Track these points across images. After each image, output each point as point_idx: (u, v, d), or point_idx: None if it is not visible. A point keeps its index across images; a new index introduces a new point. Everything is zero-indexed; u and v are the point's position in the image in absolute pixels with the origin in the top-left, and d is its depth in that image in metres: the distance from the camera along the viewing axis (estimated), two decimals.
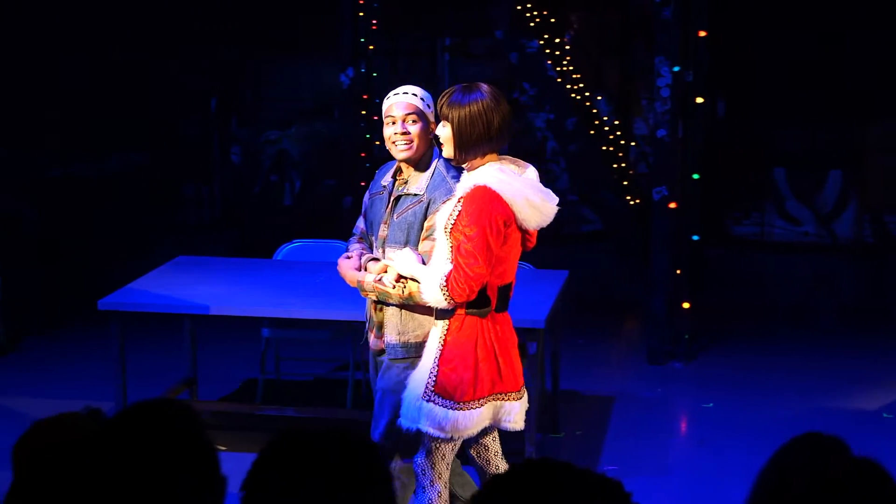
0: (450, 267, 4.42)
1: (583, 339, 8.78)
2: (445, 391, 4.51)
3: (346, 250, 5.02)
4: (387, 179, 4.93)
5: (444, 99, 4.55)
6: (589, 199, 12.16)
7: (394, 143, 4.79)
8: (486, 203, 4.39)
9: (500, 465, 4.91)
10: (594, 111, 12.06)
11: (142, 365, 7.56)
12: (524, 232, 4.58)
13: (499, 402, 4.61)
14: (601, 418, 7.28)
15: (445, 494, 4.72)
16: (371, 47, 10.49)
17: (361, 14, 10.36)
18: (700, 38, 8.22)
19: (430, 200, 4.73)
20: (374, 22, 10.49)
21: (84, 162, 11.24)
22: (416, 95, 4.83)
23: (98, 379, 7.47)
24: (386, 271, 4.69)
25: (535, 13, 11.71)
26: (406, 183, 4.84)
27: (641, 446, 6.84)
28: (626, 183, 11.87)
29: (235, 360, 8.03)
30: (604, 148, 11.94)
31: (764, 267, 11.48)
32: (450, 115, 4.52)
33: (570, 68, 11.92)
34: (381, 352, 4.89)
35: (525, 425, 6.02)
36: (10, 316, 8.64)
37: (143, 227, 11.40)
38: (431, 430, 4.53)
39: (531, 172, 4.59)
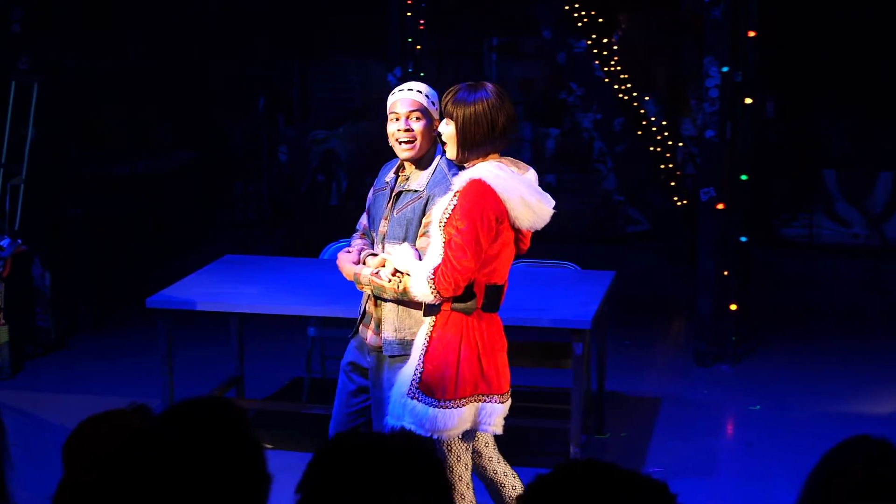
0: (439, 260, 4.41)
1: (629, 340, 8.75)
2: (428, 389, 4.49)
3: (349, 246, 5.02)
4: (389, 176, 4.93)
5: (450, 97, 4.53)
6: (636, 200, 12.11)
7: (397, 140, 4.79)
8: (480, 197, 4.37)
9: (497, 468, 4.87)
10: (642, 111, 12.02)
11: (189, 363, 7.60)
12: (517, 231, 4.55)
13: (480, 403, 4.56)
14: (647, 420, 7.25)
15: (469, 495, 4.70)
16: (418, 47, 10.50)
17: (409, 14, 10.37)
18: (749, 38, 8.17)
19: (429, 197, 4.72)
20: (422, 22, 10.50)
21: (134, 161, 11.31)
22: (420, 92, 4.82)
23: (145, 376, 7.52)
24: (384, 265, 4.69)
25: (584, 13, 11.68)
26: (408, 179, 4.83)
27: (687, 448, 6.81)
28: (673, 184, 11.82)
29: (281, 359, 8.06)
30: (651, 148, 11.90)
31: (812, 269, 11.39)
32: (454, 114, 4.50)
33: (618, 68, 11.89)
34: (379, 348, 4.87)
35: (570, 426, 6.05)
36: (60, 313, 8.72)
37: (191, 226, 11.47)
38: (414, 428, 4.47)
39: (530, 174, 4.59)
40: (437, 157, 4.81)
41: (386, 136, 4.84)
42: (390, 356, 4.80)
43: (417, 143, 4.75)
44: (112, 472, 2.41)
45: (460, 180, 4.44)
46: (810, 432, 6.93)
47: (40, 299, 8.59)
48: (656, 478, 2.07)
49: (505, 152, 4.63)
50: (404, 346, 4.74)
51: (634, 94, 11.95)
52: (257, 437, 2.44)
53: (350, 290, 6.50)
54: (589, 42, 11.69)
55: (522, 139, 12.57)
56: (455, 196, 4.42)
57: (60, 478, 2.77)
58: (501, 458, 4.92)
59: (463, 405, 4.50)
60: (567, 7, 11.60)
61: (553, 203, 4.60)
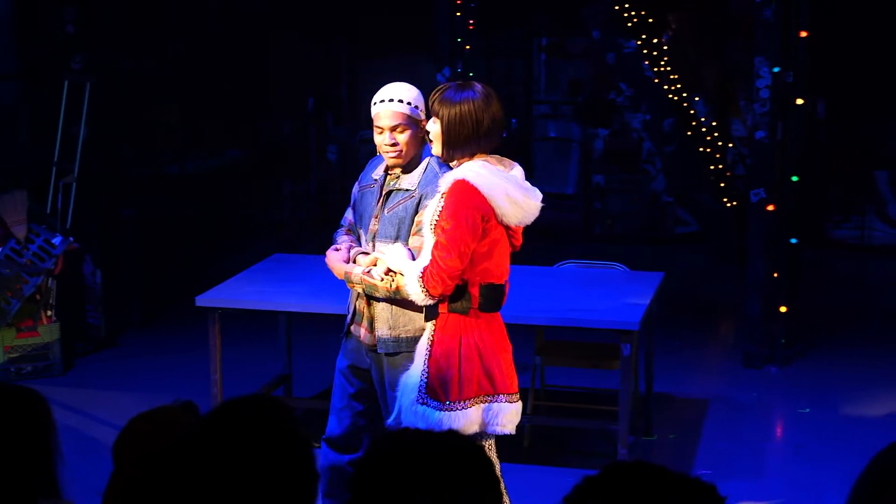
0: (427, 261, 4.42)
1: (678, 341, 8.71)
2: (434, 392, 4.49)
3: (334, 242, 5.00)
4: (378, 173, 4.91)
5: (437, 96, 4.53)
6: (685, 201, 12.05)
7: (384, 152, 4.79)
8: (463, 196, 4.38)
9: None
10: (691, 112, 11.96)
11: (237, 361, 7.65)
12: (507, 228, 4.54)
13: (486, 403, 4.55)
14: (695, 422, 7.22)
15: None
16: (467, 47, 10.49)
17: (458, 14, 10.37)
18: (801, 38, 8.11)
19: (422, 196, 4.71)
20: (471, 21, 10.49)
21: (184, 161, 11.39)
22: (402, 102, 4.76)
23: (194, 374, 7.57)
24: (375, 265, 4.68)
25: (633, 13, 11.64)
26: (398, 178, 4.82)
27: (736, 451, 6.77)
28: (723, 185, 11.75)
29: (329, 357, 8.04)
30: (701, 149, 11.83)
31: (863, 271, 11.29)
32: (440, 113, 4.49)
33: (668, 69, 11.84)
34: (374, 347, 4.86)
35: (618, 427, 6.03)
36: (110, 311, 8.79)
37: (240, 225, 11.52)
38: None
39: (517, 171, 4.58)
40: (428, 156, 4.81)
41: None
42: (386, 354, 4.80)
43: (403, 152, 4.76)
44: (161, 470, 2.43)
45: (446, 181, 4.46)
46: (860, 436, 6.87)
47: (91, 297, 8.67)
48: (705, 480, 2.06)
49: (506, 154, 4.63)
50: (399, 344, 4.75)
51: (684, 94, 11.89)
52: (305, 436, 2.45)
53: None
54: (638, 42, 11.65)
55: (571, 140, 12.55)
56: (442, 197, 4.43)
57: (110, 474, 2.80)
58: (496, 460, 4.88)
59: (469, 406, 4.50)
60: (617, 7, 11.56)
61: (540, 197, 4.60)
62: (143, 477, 2.68)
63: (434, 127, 4.53)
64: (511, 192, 4.45)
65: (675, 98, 11.82)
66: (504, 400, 4.59)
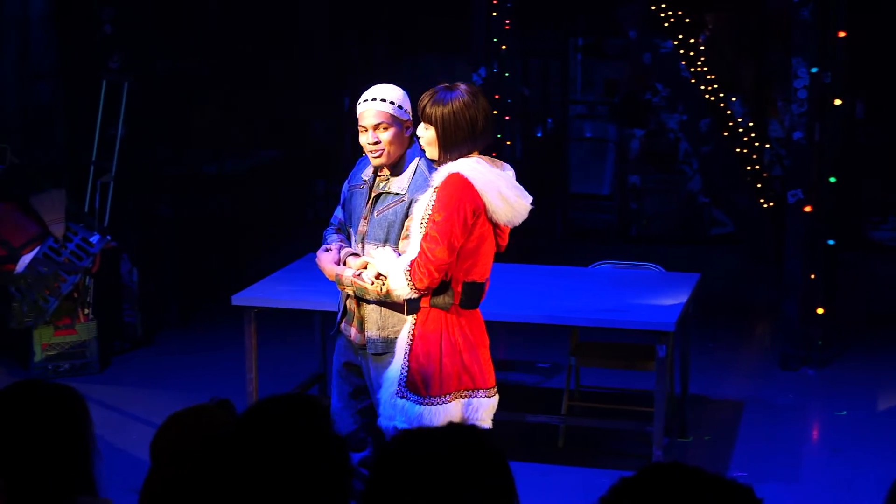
0: (414, 255, 4.44)
1: (713, 342, 8.68)
2: (414, 386, 4.51)
3: (325, 241, 5.00)
4: (367, 174, 4.90)
5: (427, 100, 4.54)
6: (721, 202, 12.00)
7: (368, 151, 4.79)
8: (457, 189, 4.40)
9: None
10: (728, 112, 11.90)
11: (272, 360, 7.67)
12: (495, 226, 4.55)
13: (465, 398, 4.58)
14: (731, 423, 7.19)
15: None
16: (503, 47, 10.49)
17: (494, 14, 10.36)
18: (839, 38, 8.06)
19: (412, 200, 4.70)
20: (507, 22, 10.49)
21: (221, 160, 11.43)
22: (385, 101, 4.77)
23: (230, 373, 7.60)
24: (366, 267, 4.68)
25: (670, 13, 11.60)
26: (387, 180, 4.82)
27: (772, 453, 6.73)
28: (759, 185, 11.69)
29: None
30: (738, 150, 11.78)
31: None
32: (433, 116, 4.51)
33: (705, 69, 11.79)
34: (363, 346, 4.87)
35: (653, 428, 6.01)
36: (147, 309, 8.83)
37: (276, 224, 11.56)
38: (405, 427, 4.48)
39: (508, 171, 4.60)
40: (417, 159, 4.80)
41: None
42: (374, 353, 4.80)
43: (386, 151, 4.76)
44: (198, 468, 2.44)
45: (439, 175, 4.47)
46: None
47: (128, 295, 8.71)
48: (742, 482, 2.05)
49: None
50: (388, 345, 4.75)
51: (721, 94, 11.83)
52: (339, 434, 2.46)
53: None
54: (675, 42, 11.61)
55: (607, 140, 12.52)
56: (435, 191, 4.44)
57: (147, 472, 2.81)
58: None
59: (449, 400, 4.53)
60: (653, 7, 11.53)
61: (530, 199, 4.60)
62: (180, 475, 2.69)
63: (427, 133, 4.54)
64: (503, 191, 4.47)
65: (712, 98, 11.77)
66: (483, 395, 4.63)
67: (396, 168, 4.81)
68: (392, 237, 4.74)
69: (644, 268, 7.14)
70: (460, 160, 4.48)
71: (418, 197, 4.62)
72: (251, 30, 11.56)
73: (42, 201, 8.15)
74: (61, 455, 2.76)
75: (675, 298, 6.27)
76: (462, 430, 2.27)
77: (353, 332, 4.90)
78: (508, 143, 10.88)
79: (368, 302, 4.77)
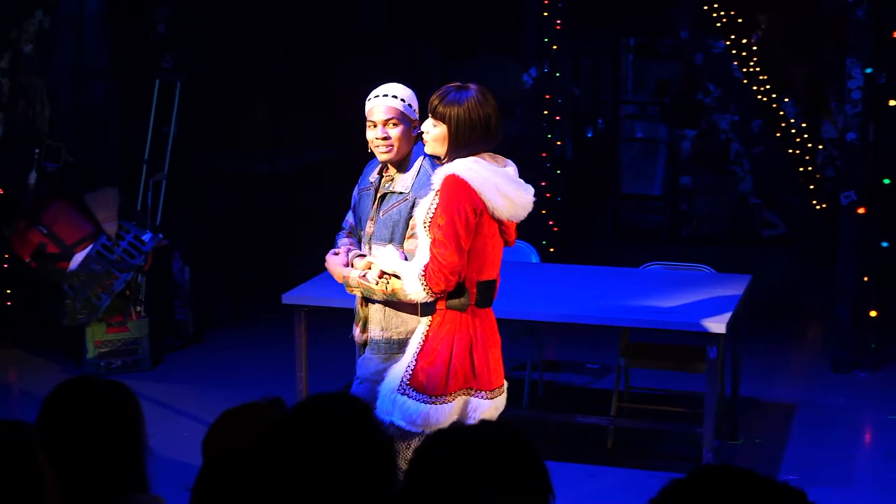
0: (427, 259, 4.44)
1: (765, 344, 8.62)
2: (420, 385, 4.51)
3: (336, 244, 5.02)
4: (374, 176, 4.92)
5: (440, 99, 4.54)
6: (773, 203, 11.92)
7: (375, 146, 4.80)
8: (455, 191, 4.40)
9: None
10: (781, 113, 11.82)
11: (322, 358, 7.69)
12: (500, 223, 4.55)
13: (468, 397, 4.60)
14: (782, 426, 7.14)
15: None
16: (555, 47, 10.47)
17: (546, 14, 10.35)
18: (893, 38, 7.99)
19: (416, 198, 4.71)
20: (559, 21, 10.47)
21: (273, 160, 11.48)
22: (396, 97, 4.79)
23: (280, 371, 7.63)
24: (370, 268, 4.69)
25: (722, 13, 11.54)
26: (392, 180, 4.83)
27: (823, 456, 6.68)
28: (812, 187, 11.60)
29: None
30: (790, 151, 11.70)
31: None
32: (447, 115, 4.50)
33: (757, 69, 11.71)
34: (365, 345, 4.89)
35: (703, 430, 5.98)
36: (198, 307, 8.89)
37: (327, 223, 11.58)
38: (404, 424, 4.49)
39: (510, 167, 4.60)
40: (421, 158, 4.80)
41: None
42: (374, 354, 4.82)
43: (395, 147, 4.76)
44: (249, 465, 2.45)
45: (438, 178, 4.48)
46: None
47: (179, 293, 8.77)
48: (793, 485, 2.03)
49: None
50: (390, 346, 4.75)
51: (773, 95, 11.75)
52: (387, 433, 2.46)
53: None
54: (727, 42, 11.54)
55: (658, 140, 12.47)
56: (436, 195, 4.46)
57: (199, 469, 2.82)
58: None
59: (452, 400, 4.54)
60: (706, 7, 11.47)
61: (532, 192, 4.61)
62: (232, 472, 2.70)
63: (436, 131, 4.54)
64: (502, 187, 4.47)
65: (765, 99, 11.70)
66: (484, 396, 4.63)
67: (401, 167, 4.82)
68: (397, 236, 4.75)
69: (695, 269, 7.11)
70: (457, 161, 4.48)
71: (422, 195, 4.65)
72: (308, 30, 11.59)
73: (95, 199, 8.22)
74: (113, 452, 2.78)
75: (726, 300, 6.23)
76: (498, 429, 2.27)
77: (357, 332, 4.92)
78: (559, 143, 10.86)
79: (374, 302, 4.79)
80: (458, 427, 2.30)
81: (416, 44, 12.39)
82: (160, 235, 8.30)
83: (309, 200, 11.64)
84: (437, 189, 4.47)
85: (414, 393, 4.53)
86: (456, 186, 4.41)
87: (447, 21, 12.21)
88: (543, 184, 10.33)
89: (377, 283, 4.64)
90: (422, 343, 4.57)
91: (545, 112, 10.52)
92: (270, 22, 11.17)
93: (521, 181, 4.61)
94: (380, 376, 4.71)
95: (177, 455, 5.70)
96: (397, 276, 4.56)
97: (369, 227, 4.86)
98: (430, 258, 4.43)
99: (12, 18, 8.51)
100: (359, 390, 4.89)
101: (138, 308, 8.27)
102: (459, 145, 4.51)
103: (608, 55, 12.74)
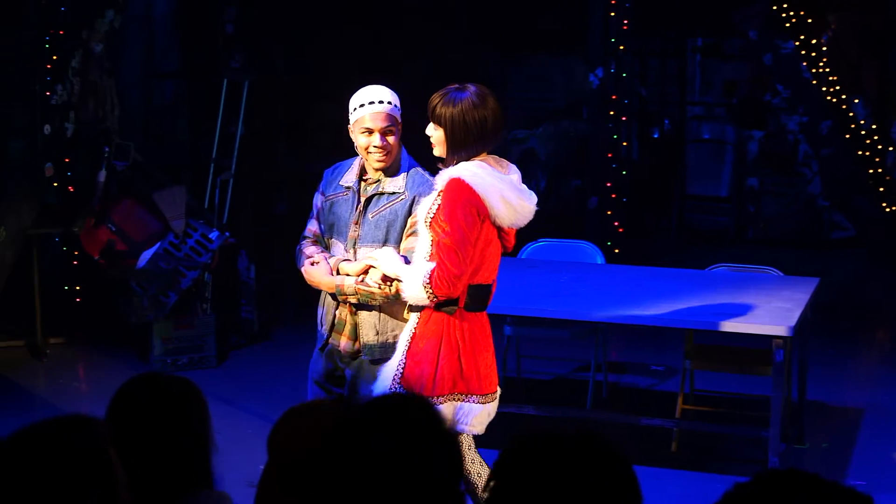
0: (432, 264, 4.39)
1: (833, 348, 8.53)
2: (408, 385, 4.49)
3: (300, 254, 4.94)
4: (349, 181, 4.86)
5: (438, 100, 4.52)
6: (842, 205, 11.80)
7: (370, 153, 4.75)
8: (459, 195, 4.37)
9: (471, 469, 4.72)
10: (850, 114, 11.69)
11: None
12: (500, 229, 4.52)
13: (458, 402, 4.54)
14: (849, 431, 7.06)
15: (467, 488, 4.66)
16: (621, 47, 10.43)
17: (612, 14, 10.31)
18: None
19: (415, 197, 4.71)
20: (625, 22, 10.43)
21: (337, 160, 11.53)
22: (389, 104, 4.78)
23: None
24: (366, 272, 4.66)
25: (792, 13, 11.43)
26: (378, 182, 4.80)
27: (892, 462, 6.60)
28: (882, 189, 11.46)
29: None
30: (859, 152, 11.57)
31: None
32: (443, 117, 4.49)
33: (827, 70, 11.59)
34: (356, 354, 4.84)
35: (769, 434, 5.93)
36: (264, 305, 8.94)
37: None
38: None
39: (513, 173, 4.56)
40: (405, 158, 4.81)
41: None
42: (370, 360, 4.79)
43: (391, 154, 4.76)
44: (314, 464, 2.46)
45: (442, 179, 4.45)
46: None
47: (245, 291, 8.84)
48: (860, 491, 2.01)
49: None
50: (385, 350, 4.73)
51: (843, 96, 11.63)
52: (451, 432, 2.46)
53: (548, 289, 6.51)
54: (797, 43, 11.43)
55: (725, 142, 12.38)
56: (439, 196, 4.43)
57: (265, 466, 2.84)
58: (480, 459, 4.81)
59: (440, 403, 4.49)
60: (775, 7, 11.37)
61: (535, 200, 4.58)
62: (297, 471, 2.72)
63: (436, 132, 4.54)
64: (505, 194, 4.45)
65: (834, 100, 11.57)
66: (476, 401, 4.58)
67: (390, 169, 4.80)
68: (392, 237, 4.74)
69: (762, 271, 7.05)
70: (462, 164, 4.47)
71: (422, 193, 4.67)
72: (369, 29, 11.63)
73: (163, 198, 8.29)
74: (180, 448, 2.80)
75: (793, 302, 6.18)
76: (589, 438, 2.25)
77: (344, 341, 4.87)
78: (625, 143, 10.82)
79: (364, 308, 4.76)
80: (547, 435, 2.28)
81: (477, 44, 12.39)
82: (227, 234, 8.37)
83: None
84: (440, 190, 4.45)
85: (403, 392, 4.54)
86: (460, 190, 4.39)
87: (509, 21, 12.20)
88: (609, 184, 10.29)
89: (379, 288, 4.63)
90: (409, 342, 4.56)
91: (611, 113, 10.47)
92: (338, 21, 11.21)
93: (525, 188, 4.59)
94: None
95: (241, 452, 5.73)
96: (401, 280, 4.53)
97: (353, 231, 4.81)
98: (437, 264, 4.40)
99: (84, 18, 8.62)
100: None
101: (204, 306, 8.34)
102: (456, 147, 4.50)
103: (675, 55, 12.68)
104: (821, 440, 6.91)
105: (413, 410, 2.46)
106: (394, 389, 4.54)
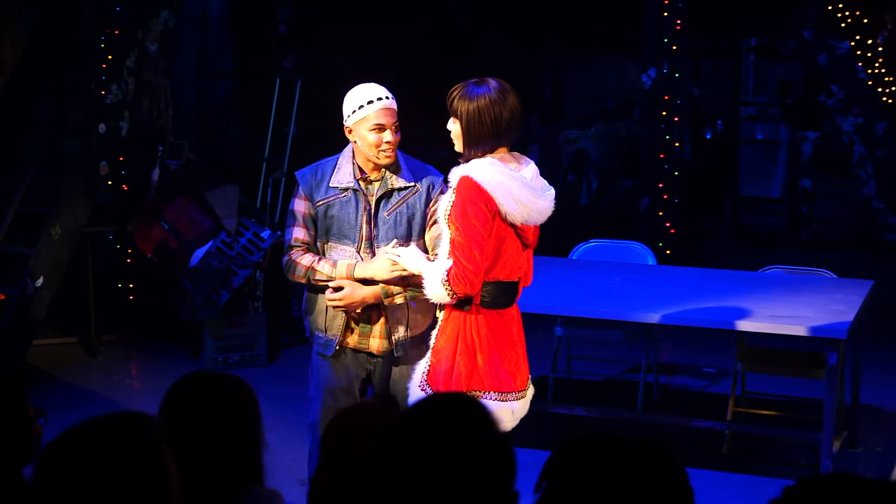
0: (450, 262, 4.41)
1: (887, 352, 8.45)
2: (433, 381, 4.53)
3: (295, 264, 4.88)
4: (345, 181, 4.82)
5: (455, 94, 4.52)
6: None
7: (381, 150, 4.76)
8: (469, 193, 4.37)
9: None
10: None
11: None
12: (515, 227, 4.49)
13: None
14: None
15: None
16: (674, 47, 10.38)
17: (666, 14, 10.26)
18: None
19: (428, 186, 4.80)
20: (679, 22, 10.38)
21: None
22: (392, 98, 4.84)
23: None
24: (395, 265, 4.69)
25: (847, 13, 11.33)
26: (383, 179, 4.81)
27: None
28: None
29: (528, 357, 8.09)
30: None
31: None
32: (459, 110, 4.49)
33: (883, 70, 11.48)
34: (388, 352, 4.88)
35: (822, 438, 5.88)
36: None
37: None
38: None
39: (528, 169, 4.53)
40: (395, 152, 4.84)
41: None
42: (401, 356, 4.86)
43: (395, 150, 4.80)
44: (365, 465, 2.47)
45: (454, 177, 4.46)
46: None
47: (297, 290, 8.86)
48: None
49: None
50: (413, 343, 4.83)
51: None
52: (504, 435, 2.46)
53: (599, 290, 6.50)
54: (852, 43, 11.33)
55: (779, 142, 12.29)
56: (454, 193, 4.43)
57: (317, 464, 2.85)
58: None
59: None
60: (830, 7, 11.28)
61: (552, 197, 4.55)
62: (348, 472, 2.73)
63: (454, 126, 4.55)
64: (515, 192, 4.42)
65: (890, 101, 11.46)
66: (495, 398, 4.57)
67: (393, 165, 4.84)
68: (415, 230, 4.80)
69: (815, 273, 6.99)
70: (474, 161, 4.47)
71: (434, 182, 4.78)
72: (423, 30, 11.65)
73: (216, 197, 8.35)
74: (231, 445, 2.82)
75: (846, 305, 6.12)
76: (641, 440, 2.24)
77: (377, 341, 4.88)
78: (677, 144, 10.76)
79: (391, 308, 4.80)
80: (598, 437, 2.27)
81: (531, 44, 12.37)
82: (279, 232, 8.41)
83: None
84: (453, 187, 4.45)
85: (429, 389, 4.57)
86: (470, 189, 4.39)
87: (563, 22, 12.17)
88: (660, 185, 10.25)
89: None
90: (435, 338, 4.60)
91: (664, 113, 10.42)
92: (392, 22, 11.23)
93: (541, 184, 4.57)
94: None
95: (292, 450, 5.76)
96: (423, 277, 4.55)
97: (366, 231, 4.82)
98: (454, 261, 4.41)
99: (140, 18, 8.69)
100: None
101: (256, 304, 8.38)
102: (472, 141, 4.50)
103: (729, 55, 12.60)
104: (875, 444, 6.85)
105: (464, 411, 2.45)
106: (422, 386, 4.58)
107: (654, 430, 6.66)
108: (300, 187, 4.90)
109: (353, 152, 4.86)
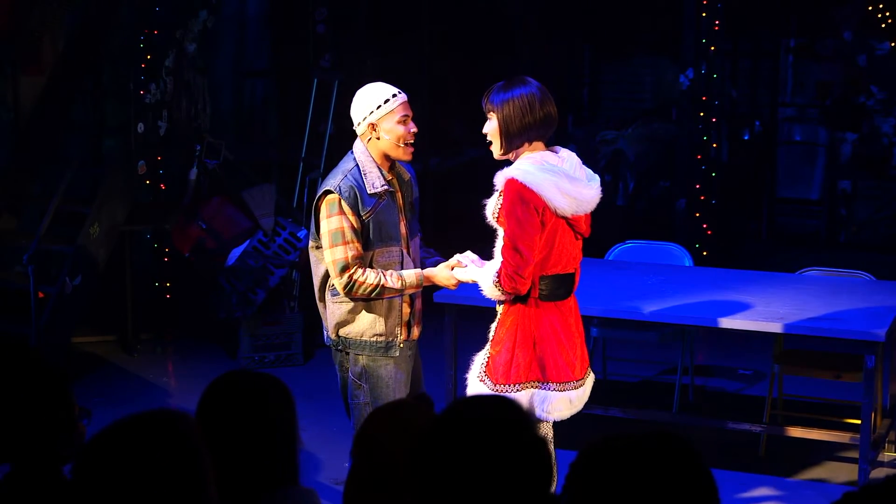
0: (500, 263, 4.59)
1: None
2: (490, 372, 4.68)
3: (355, 286, 4.89)
4: (379, 185, 4.83)
5: (491, 92, 4.65)
6: None
7: (406, 143, 4.83)
8: (515, 195, 4.50)
9: None
10: None
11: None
12: (566, 219, 4.60)
13: (534, 389, 4.68)
14: None
15: None
16: (712, 48, 10.33)
17: (704, 14, 10.22)
18: None
19: (410, 175, 5.01)
20: (717, 22, 10.33)
21: (426, 159, 11.56)
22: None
23: (430, 369, 7.65)
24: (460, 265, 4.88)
25: (887, 13, 11.26)
26: (397, 175, 4.95)
27: None
28: None
29: None
30: None
31: None
32: (496, 104, 4.61)
33: None
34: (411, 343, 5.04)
35: (859, 441, 5.84)
36: None
37: (478, 224, 11.62)
38: None
39: (569, 161, 4.64)
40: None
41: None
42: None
43: None
44: (401, 465, 2.47)
45: (499, 180, 4.59)
46: None
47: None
48: None
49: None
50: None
51: None
52: (540, 435, 2.46)
53: (636, 291, 6.47)
54: (892, 44, 11.25)
55: (818, 144, 12.22)
56: (500, 195, 4.58)
57: (351, 465, 2.85)
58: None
59: (518, 391, 4.65)
60: (870, 7, 11.20)
61: (598, 184, 4.68)
62: (384, 471, 2.73)
63: (490, 124, 4.67)
64: (561, 185, 4.54)
65: None
66: (554, 388, 4.69)
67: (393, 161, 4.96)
68: (416, 212, 5.02)
69: (853, 275, 6.95)
70: (517, 163, 4.60)
71: (408, 167, 4.99)
72: (462, 31, 11.65)
73: (253, 196, 8.38)
74: (267, 444, 2.83)
75: (885, 308, 6.08)
76: (665, 438, 2.23)
77: (417, 329, 5.07)
78: (714, 145, 10.72)
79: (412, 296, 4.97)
80: (623, 436, 2.26)
81: (569, 44, 12.36)
82: None
83: (459, 200, 11.68)
84: (500, 190, 4.59)
85: (487, 380, 4.72)
86: (515, 190, 4.52)
87: (600, 23, 12.15)
88: (697, 186, 10.21)
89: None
90: (494, 330, 4.75)
91: (701, 114, 10.38)
92: (429, 21, 11.25)
93: (585, 173, 4.69)
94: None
95: (327, 450, 5.77)
96: (478, 282, 4.73)
97: (403, 229, 4.93)
98: (503, 262, 4.59)
99: (178, 18, 8.74)
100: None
101: (292, 303, 8.40)
102: (510, 134, 4.63)
103: (767, 56, 12.53)
104: None
105: (500, 412, 2.45)
106: (480, 377, 4.73)
107: (690, 431, 6.63)
108: (342, 203, 4.78)
109: (369, 153, 4.87)
